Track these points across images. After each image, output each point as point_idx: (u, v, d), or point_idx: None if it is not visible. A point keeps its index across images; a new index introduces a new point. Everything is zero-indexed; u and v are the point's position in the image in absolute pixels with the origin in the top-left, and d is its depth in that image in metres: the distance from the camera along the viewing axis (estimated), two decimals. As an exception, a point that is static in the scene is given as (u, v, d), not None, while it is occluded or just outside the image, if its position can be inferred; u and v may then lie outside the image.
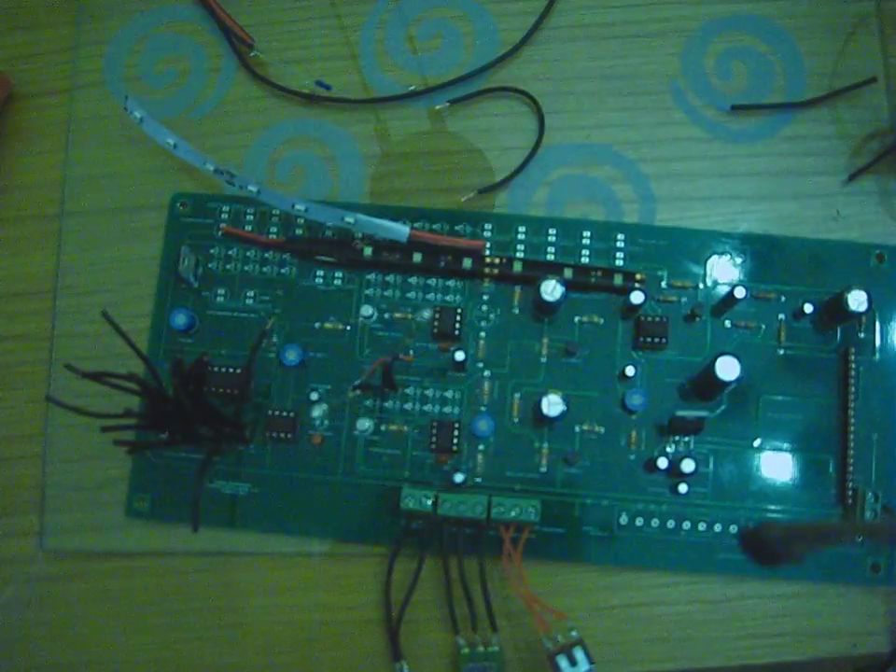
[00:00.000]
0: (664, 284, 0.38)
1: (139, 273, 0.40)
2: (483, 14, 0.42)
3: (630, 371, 0.37)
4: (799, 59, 0.41)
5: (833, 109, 0.41)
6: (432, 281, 0.38)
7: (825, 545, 0.33)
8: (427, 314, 0.38)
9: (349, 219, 0.37)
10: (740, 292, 0.36)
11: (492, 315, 0.38)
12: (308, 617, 0.37)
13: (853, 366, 0.37)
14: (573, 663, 0.32)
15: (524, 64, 0.42)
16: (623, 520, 0.36)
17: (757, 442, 0.37)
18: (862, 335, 0.37)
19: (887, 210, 0.40)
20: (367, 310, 0.38)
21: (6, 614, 0.38)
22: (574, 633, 0.33)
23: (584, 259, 0.38)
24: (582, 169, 0.40)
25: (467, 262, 0.38)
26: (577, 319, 0.38)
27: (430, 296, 0.38)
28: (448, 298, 0.38)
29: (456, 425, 0.37)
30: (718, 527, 0.36)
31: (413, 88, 0.41)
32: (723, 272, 0.38)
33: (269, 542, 0.37)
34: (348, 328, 0.38)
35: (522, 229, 0.39)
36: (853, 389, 0.37)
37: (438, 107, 0.41)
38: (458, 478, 0.36)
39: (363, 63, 0.42)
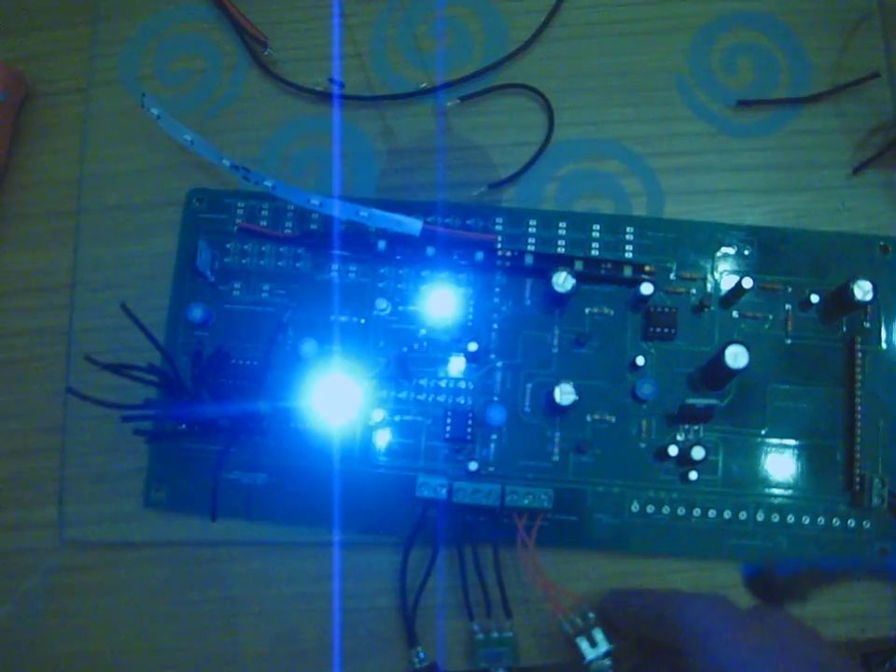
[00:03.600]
0: (672, 276, 0.39)
1: (155, 269, 0.40)
2: (493, 12, 0.43)
3: (640, 360, 0.37)
4: (803, 54, 0.42)
5: (838, 104, 0.42)
6: (444, 274, 0.39)
7: (829, 586, 0.34)
8: (438, 302, 0.38)
9: (363, 213, 0.37)
10: (748, 283, 0.36)
11: (504, 308, 0.39)
12: (326, 605, 0.37)
13: (859, 355, 0.37)
14: (593, 644, 0.33)
15: (533, 62, 0.42)
16: (635, 507, 0.37)
17: (765, 431, 0.37)
18: (868, 325, 0.38)
19: (891, 202, 0.40)
20: (381, 303, 0.38)
21: (25, 604, 0.38)
22: (591, 615, 0.34)
23: (594, 252, 0.39)
24: (591, 164, 0.41)
25: (479, 255, 0.38)
26: (587, 311, 0.38)
27: (443, 289, 0.39)
28: (461, 291, 0.39)
29: (470, 415, 0.37)
30: (727, 514, 0.37)
31: (423, 85, 0.42)
32: (731, 263, 0.39)
33: (286, 532, 0.38)
34: (363, 320, 0.39)
35: (532, 222, 0.39)
36: (859, 378, 0.37)
37: (448, 104, 0.42)
38: (472, 467, 0.37)
39: (374, 61, 0.43)
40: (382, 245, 0.39)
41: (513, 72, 0.42)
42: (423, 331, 0.38)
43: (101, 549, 0.38)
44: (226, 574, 0.38)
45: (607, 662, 0.32)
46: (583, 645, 0.33)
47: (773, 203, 0.40)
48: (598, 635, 0.33)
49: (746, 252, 0.39)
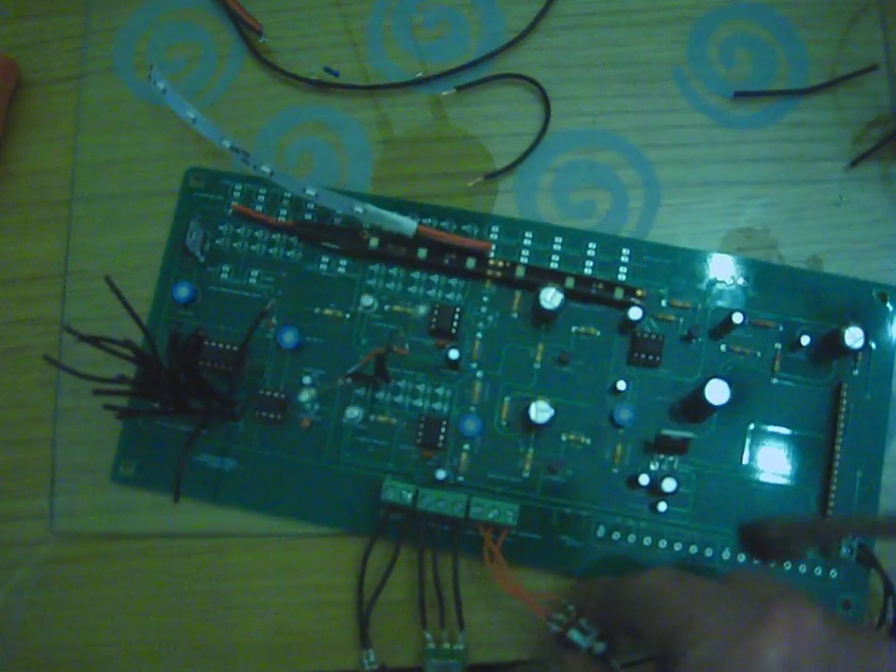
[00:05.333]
0: (664, 302, 0.38)
1: (148, 258, 0.40)
2: (489, 2, 0.43)
3: (622, 385, 0.37)
4: (801, 46, 0.42)
5: (835, 96, 0.41)
6: (434, 277, 0.38)
7: (823, 543, 0.33)
8: (423, 309, 0.38)
9: (358, 209, 0.37)
10: (738, 317, 0.36)
11: (490, 317, 0.38)
12: (311, 598, 0.37)
13: (844, 402, 0.37)
14: (585, 633, 0.33)
15: (530, 52, 0.42)
16: (600, 532, 0.36)
17: (741, 468, 0.37)
18: (857, 372, 0.37)
19: (888, 195, 0.40)
20: (367, 300, 0.38)
21: (16, 596, 0.38)
22: (571, 607, 0.33)
23: (587, 271, 0.38)
24: (588, 155, 0.41)
25: (470, 262, 0.38)
26: (574, 329, 0.38)
27: (431, 292, 0.38)
28: (449, 296, 0.38)
29: (444, 422, 0.37)
30: (693, 549, 0.36)
31: (419, 75, 0.41)
32: (725, 296, 0.38)
33: (277, 524, 0.37)
34: (347, 316, 0.38)
35: (528, 234, 0.39)
36: (842, 426, 0.37)
37: (444, 94, 0.41)
38: (441, 475, 0.36)
39: (370, 50, 0.42)
40: (374, 242, 0.38)
41: (510, 62, 0.42)
42: (406, 333, 0.38)
43: (92, 540, 0.38)
44: (217, 566, 0.38)
45: (601, 645, 0.32)
46: (576, 636, 0.33)
47: (769, 196, 0.40)
48: (584, 622, 0.33)
49: (741, 285, 0.38)
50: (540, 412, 0.35)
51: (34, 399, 0.39)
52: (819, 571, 0.36)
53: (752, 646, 0.25)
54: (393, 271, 0.39)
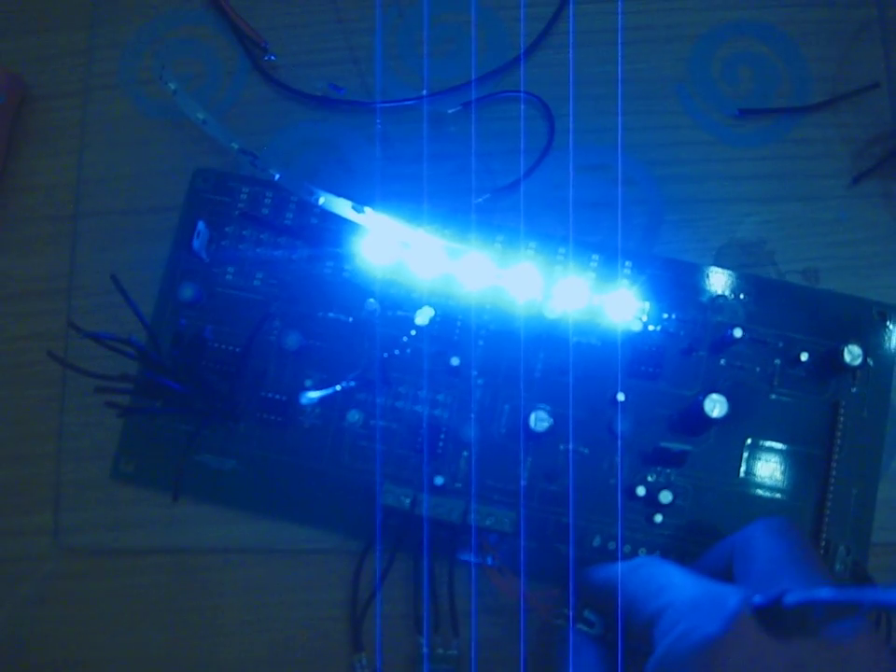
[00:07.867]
0: (665, 315, 0.38)
1: (152, 274, 0.40)
2: (493, 19, 0.43)
3: (621, 396, 0.37)
4: (803, 64, 0.42)
5: (837, 113, 0.42)
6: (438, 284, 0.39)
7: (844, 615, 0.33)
8: (428, 315, 0.38)
9: (362, 215, 0.37)
10: (738, 332, 0.36)
11: (492, 326, 0.38)
12: (312, 613, 0.37)
13: (841, 420, 0.37)
14: (590, 625, 0.33)
15: (534, 69, 0.42)
16: (596, 542, 0.37)
17: (738, 482, 0.37)
18: (855, 390, 0.38)
19: (890, 212, 0.40)
20: (371, 304, 0.38)
21: (21, 611, 0.38)
22: (571, 601, 0.34)
23: (590, 279, 0.39)
24: (591, 172, 0.41)
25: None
26: (574, 339, 0.38)
27: (435, 299, 0.39)
28: (452, 303, 0.38)
29: (444, 428, 0.37)
30: (688, 562, 0.36)
31: (424, 92, 0.42)
32: (726, 310, 0.38)
33: (283, 539, 0.37)
34: (350, 320, 0.39)
35: (532, 244, 0.39)
36: (838, 443, 0.37)
37: (450, 111, 0.42)
38: (438, 481, 0.36)
39: (375, 66, 0.42)
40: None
41: (514, 79, 0.42)
42: (405, 338, 0.38)
43: (97, 556, 0.38)
44: (220, 582, 0.38)
45: (609, 634, 0.32)
46: (584, 630, 0.33)
47: (771, 213, 0.40)
48: (591, 615, 0.33)
49: (742, 301, 0.38)
50: (540, 421, 0.35)
51: (37, 415, 0.39)
52: (812, 587, 0.36)
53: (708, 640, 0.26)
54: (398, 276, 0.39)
